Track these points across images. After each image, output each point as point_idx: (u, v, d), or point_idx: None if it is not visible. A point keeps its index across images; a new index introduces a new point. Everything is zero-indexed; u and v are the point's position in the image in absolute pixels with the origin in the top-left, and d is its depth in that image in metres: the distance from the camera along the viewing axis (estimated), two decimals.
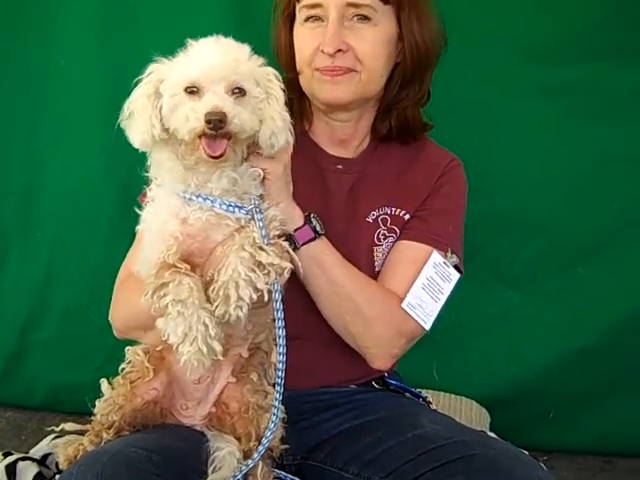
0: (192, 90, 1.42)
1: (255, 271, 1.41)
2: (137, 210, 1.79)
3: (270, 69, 1.52)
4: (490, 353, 2.71)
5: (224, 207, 1.47)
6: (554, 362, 2.71)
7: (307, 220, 1.64)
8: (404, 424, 1.68)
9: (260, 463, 1.54)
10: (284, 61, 1.83)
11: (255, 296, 1.41)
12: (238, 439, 1.58)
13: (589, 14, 2.53)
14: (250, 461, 1.52)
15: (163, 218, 1.49)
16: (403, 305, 1.71)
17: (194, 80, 1.42)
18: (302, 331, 1.56)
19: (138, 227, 1.79)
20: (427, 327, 1.73)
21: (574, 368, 2.69)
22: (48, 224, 2.81)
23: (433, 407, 1.96)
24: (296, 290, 1.63)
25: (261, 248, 1.43)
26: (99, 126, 2.69)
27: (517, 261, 2.72)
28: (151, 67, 1.49)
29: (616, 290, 2.66)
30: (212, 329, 1.40)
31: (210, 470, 1.51)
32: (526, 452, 1.64)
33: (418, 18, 1.76)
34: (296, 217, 1.63)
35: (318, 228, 1.65)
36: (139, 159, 1.52)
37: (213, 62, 1.42)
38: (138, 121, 1.47)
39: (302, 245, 1.63)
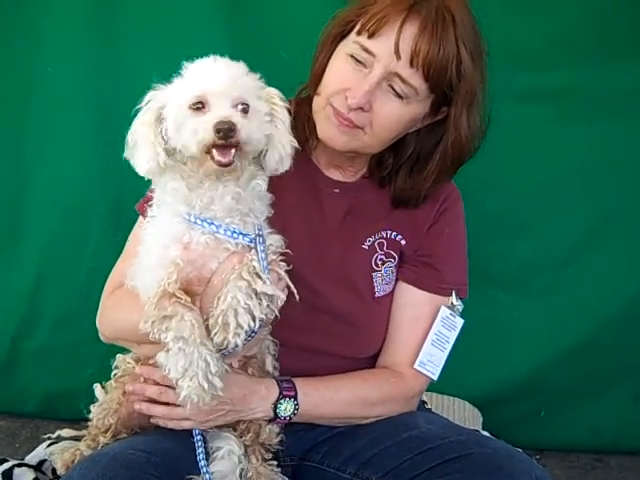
0: (198, 106, 1.42)
1: (253, 298, 1.42)
2: (131, 216, 1.81)
3: (273, 90, 1.52)
4: (481, 354, 2.71)
5: (228, 233, 1.46)
6: (545, 361, 2.73)
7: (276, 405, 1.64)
8: (400, 424, 1.70)
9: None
10: (313, 76, 1.72)
11: (253, 324, 1.42)
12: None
13: (572, 19, 2.54)
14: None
15: (165, 242, 1.47)
16: (415, 366, 1.76)
17: (199, 96, 1.42)
18: (291, 338, 1.56)
19: (130, 235, 1.82)
20: (435, 378, 1.79)
21: (565, 367, 2.72)
22: (37, 232, 2.78)
23: (428, 407, 1.97)
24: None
25: (258, 276, 1.43)
26: (89, 134, 2.67)
27: (506, 264, 2.74)
28: (149, 95, 1.49)
29: (604, 289, 2.69)
30: (213, 366, 1.40)
31: (210, 470, 1.52)
32: (521, 450, 1.66)
33: (468, 118, 1.73)
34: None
35: (289, 410, 1.65)
36: (130, 168, 1.51)
37: (216, 78, 1.43)
38: (142, 149, 1.46)
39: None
